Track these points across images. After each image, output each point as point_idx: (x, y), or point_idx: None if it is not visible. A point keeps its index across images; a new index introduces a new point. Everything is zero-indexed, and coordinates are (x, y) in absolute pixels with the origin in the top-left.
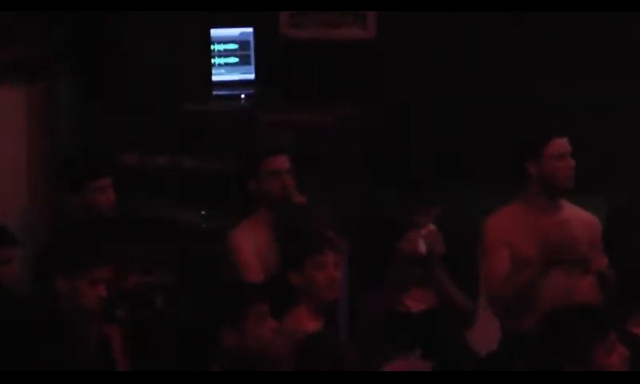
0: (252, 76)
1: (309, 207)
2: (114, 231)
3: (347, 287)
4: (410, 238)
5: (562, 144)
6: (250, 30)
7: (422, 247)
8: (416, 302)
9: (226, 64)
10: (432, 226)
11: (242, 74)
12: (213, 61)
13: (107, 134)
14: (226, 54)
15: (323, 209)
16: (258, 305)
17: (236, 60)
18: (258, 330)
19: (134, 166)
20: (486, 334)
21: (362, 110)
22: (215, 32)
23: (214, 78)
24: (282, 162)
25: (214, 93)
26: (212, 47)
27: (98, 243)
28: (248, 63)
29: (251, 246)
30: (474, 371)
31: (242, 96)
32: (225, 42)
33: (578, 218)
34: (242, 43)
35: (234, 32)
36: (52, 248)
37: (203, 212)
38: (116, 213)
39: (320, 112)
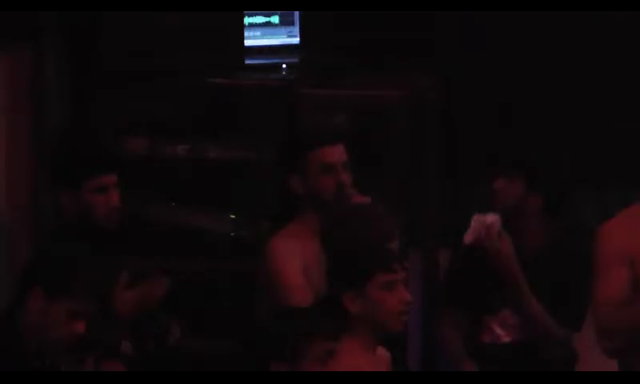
0: (296, 39)
1: (369, 210)
2: (113, 241)
3: (420, 310)
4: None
5: None
6: None
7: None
8: (506, 330)
9: (263, 24)
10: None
11: (283, 36)
12: (245, 20)
13: (109, 116)
14: (263, 11)
15: (387, 213)
16: (324, 343)
17: (276, 19)
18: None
19: (143, 156)
20: None
21: (446, 82)
22: None
23: (247, 43)
24: (338, 152)
25: (247, 62)
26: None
27: (81, 262)
28: (291, 23)
29: (296, 260)
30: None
31: (284, 66)
32: None
33: None
34: None
35: None
36: (27, 264)
37: (233, 216)
38: (120, 218)
39: (387, 85)
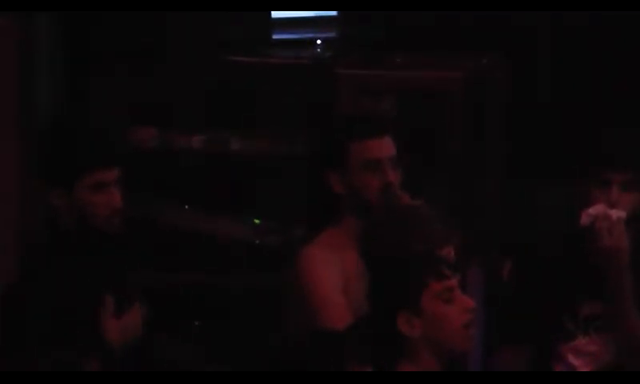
0: (333, 10)
1: (420, 214)
2: (114, 249)
3: (480, 334)
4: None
5: None
6: None
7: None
8: (583, 360)
9: None
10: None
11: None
12: None
13: (109, 99)
14: None
15: (441, 218)
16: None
17: None
18: None
19: (150, 148)
20: None
21: (511, 62)
22: None
23: (275, 14)
24: (384, 146)
25: (275, 37)
26: None
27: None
28: None
29: (335, 272)
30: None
31: (318, 42)
32: None
33: None
34: None
35: None
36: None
37: (257, 221)
38: (124, 223)
39: (442, 65)
